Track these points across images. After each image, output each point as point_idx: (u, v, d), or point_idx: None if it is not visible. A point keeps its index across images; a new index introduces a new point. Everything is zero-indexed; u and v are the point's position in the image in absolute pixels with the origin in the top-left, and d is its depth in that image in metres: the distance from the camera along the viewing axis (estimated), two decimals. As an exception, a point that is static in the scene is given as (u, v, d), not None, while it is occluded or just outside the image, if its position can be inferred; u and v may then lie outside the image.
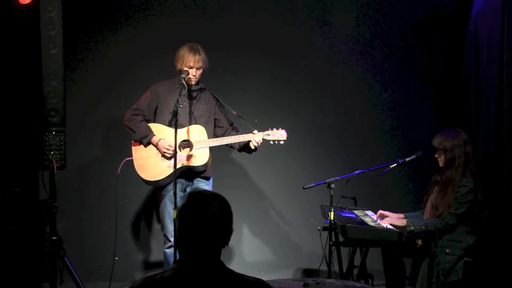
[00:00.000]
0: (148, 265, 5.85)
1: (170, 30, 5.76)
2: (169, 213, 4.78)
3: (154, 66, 5.72)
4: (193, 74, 4.79)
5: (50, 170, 4.70)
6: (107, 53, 5.79)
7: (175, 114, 4.50)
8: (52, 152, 4.67)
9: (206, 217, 2.29)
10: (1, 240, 4.90)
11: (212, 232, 2.29)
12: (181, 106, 4.64)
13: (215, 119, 4.96)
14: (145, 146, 4.83)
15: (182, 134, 4.74)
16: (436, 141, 4.67)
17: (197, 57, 4.77)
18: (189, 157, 4.76)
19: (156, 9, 5.82)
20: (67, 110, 4.74)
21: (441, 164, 4.68)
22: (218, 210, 2.30)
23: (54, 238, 4.67)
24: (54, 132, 4.68)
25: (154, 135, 4.81)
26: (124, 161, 4.95)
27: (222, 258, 2.34)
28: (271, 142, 4.82)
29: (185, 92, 4.70)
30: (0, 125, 5.33)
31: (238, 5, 5.86)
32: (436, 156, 4.70)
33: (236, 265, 5.73)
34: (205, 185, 4.92)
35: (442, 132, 4.71)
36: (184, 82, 4.71)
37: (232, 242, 2.40)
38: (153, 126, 4.86)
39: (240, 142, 4.81)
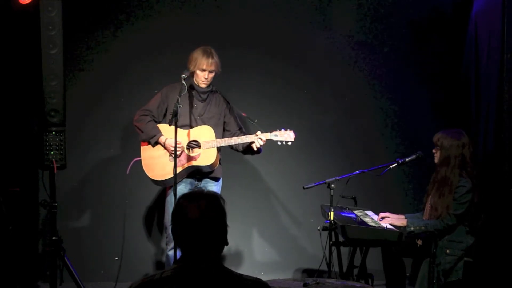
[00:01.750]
0: (149, 265, 5.85)
1: (170, 30, 5.76)
2: None
3: (154, 66, 5.72)
4: (205, 77, 4.79)
5: (50, 170, 4.70)
6: (107, 53, 5.79)
7: (175, 114, 4.51)
8: (52, 152, 4.67)
9: (190, 217, 2.29)
10: (1, 240, 4.90)
11: (199, 231, 2.29)
12: (181, 106, 4.64)
13: (224, 122, 4.96)
14: (153, 146, 4.84)
15: (190, 134, 4.76)
16: (436, 137, 4.67)
17: (210, 60, 4.78)
18: (196, 157, 4.77)
19: (156, 9, 5.81)
20: (67, 110, 4.75)
21: (435, 160, 4.69)
22: (203, 209, 2.29)
23: (54, 238, 4.68)
24: (54, 132, 4.68)
25: (162, 134, 4.81)
26: (133, 161, 4.95)
27: (222, 258, 2.34)
28: (279, 143, 4.82)
29: (185, 92, 4.69)
30: (0, 125, 5.33)
31: (238, 5, 5.86)
32: (433, 151, 4.71)
33: (236, 265, 5.74)
34: (213, 186, 4.91)
35: (444, 130, 4.71)
36: (184, 82, 4.71)
37: (232, 242, 2.40)
38: (162, 126, 4.87)
39: (245, 143, 4.81)
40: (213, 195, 2.36)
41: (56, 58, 4.62)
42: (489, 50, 5.30)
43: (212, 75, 4.83)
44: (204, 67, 4.78)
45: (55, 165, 4.67)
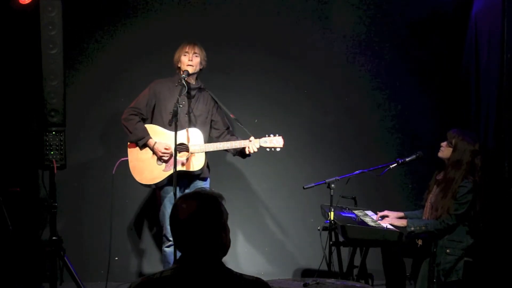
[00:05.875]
0: (147, 265, 5.85)
1: (169, 29, 5.77)
2: (169, 214, 4.76)
3: (153, 66, 5.72)
4: (190, 59, 4.79)
5: (50, 170, 4.70)
6: (107, 52, 5.80)
7: (175, 114, 4.49)
8: (52, 152, 4.67)
9: (179, 218, 2.31)
10: (1, 240, 4.90)
11: (188, 232, 2.29)
12: (181, 106, 4.64)
13: (212, 121, 4.95)
14: (141, 148, 4.82)
15: (178, 137, 4.64)
16: (451, 135, 4.63)
17: (192, 44, 4.82)
18: (185, 161, 4.75)
19: (155, 9, 5.82)
20: (67, 110, 4.75)
21: (440, 154, 4.67)
22: (192, 211, 2.29)
23: (54, 238, 4.68)
24: (54, 132, 4.68)
25: (151, 137, 4.79)
26: (119, 161, 4.95)
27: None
28: (268, 149, 4.81)
29: (185, 92, 4.70)
30: (0, 125, 5.34)
31: (238, 4, 5.86)
32: (441, 144, 4.68)
33: (236, 265, 5.73)
34: (203, 185, 4.91)
35: (461, 130, 4.68)
36: (184, 82, 4.71)
37: (232, 242, 2.39)
38: (150, 128, 4.85)
39: (236, 147, 4.80)
40: (208, 196, 2.35)
41: (56, 58, 4.62)
42: (489, 50, 5.30)
43: (197, 60, 4.81)
44: (187, 49, 4.81)
45: (55, 165, 4.67)
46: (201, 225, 2.29)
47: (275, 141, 4.78)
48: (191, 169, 4.75)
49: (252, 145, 4.73)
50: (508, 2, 4.94)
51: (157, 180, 4.78)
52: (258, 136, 4.79)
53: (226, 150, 4.88)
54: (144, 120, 4.89)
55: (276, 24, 5.89)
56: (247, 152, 4.77)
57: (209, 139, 4.90)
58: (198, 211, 2.29)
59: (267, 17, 5.89)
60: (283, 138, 4.80)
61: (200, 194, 2.36)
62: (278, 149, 4.81)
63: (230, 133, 4.95)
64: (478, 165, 4.58)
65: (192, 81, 4.87)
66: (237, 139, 4.84)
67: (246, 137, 4.78)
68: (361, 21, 5.93)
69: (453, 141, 4.62)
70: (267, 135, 4.78)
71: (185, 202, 2.32)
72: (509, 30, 4.95)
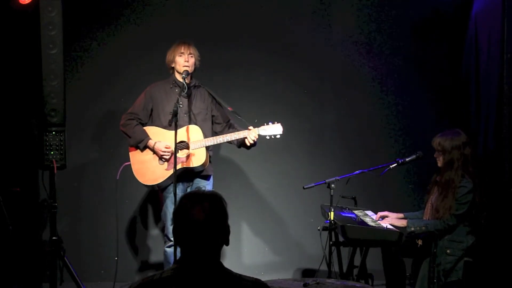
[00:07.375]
0: (148, 265, 5.85)
1: (169, 29, 5.76)
2: (170, 213, 4.78)
3: (153, 66, 5.71)
4: (186, 60, 4.79)
5: (50, 170, 4.71)
6: (107, 52, 5.80)
7: (175, 114, 4.50)
8: (52, 152, 4.68)
9: (195, 219, 2.28)
10: (1, 240, 4.90)
11: (203, 233, 2.28)
12: (181, 106, 4.64)
13: (212, 116, 4.95)
14: (142, 150, 4.82)
15: (178, 135, 4.64)
16: (435, 142, 4.66)
17: (186, 44, 4.82)
18: (186, 158, 4.75)
19: (154, 8, 5.82)
20: (67, 110, 4.75)
21: (439, 164, 4.68)
22: (207, 211, 2.28)
23: (54, 238, 4.68)
24: (54, 132, 4.68)
25: (150, 138, 4.79)
26: (123, 166, 4.95)
27: (222, 258, 2.34)
28: (267, 137, 4.78)
29: (184, 92, 4.70)
30: (0, 125, 5.34)
31: (239, 3, 5.86)
32: (435, 156, 4.70)
33: (236, 265, 5.73)
34: (206, 185, 4.91)
35: (441, 133, 4.70)
36: (184, 82, 4.71)
37: (232, 242, 2.39)
38: (149, 129, 4.85)
39: (237, 138, 4.80)
40: (216, 196, 2.35)
41: (56, 58, 4.63)
42: (489, 50, 5.30)
43: (192, 60, 4.82)
44: (182, 50, 4.81)
45: (55, 165, 4.67)
46: (215, 225, 2.30)
47: (274, 128, 4.76)
48: (193, 165, 4.75)
49: (250, 134, 4.72)
50: (508, 2, 4.94)
51: (160, 180, 4.78)
52: (257, 127, 4.78)
53: (229, 143, 4.88)
54: (143, 125, 4.89)
55: (277, 24, 5.89)
56: (247, 144, 4.76)
57: (213, 135, 4.90)
58: (212, 211, 2.29)
59: (269, 16, 5.88)
60: (282, 124, 4.77)
61: (209, 194, 2.35)
62: (278, 136, 4.78)
63: (232, 126, 4.95)
64: (468, 155, 4.59)
65: (187, 80, 4.88)
66: (237, 131, 4.84)
67: (246, 128, 4.78)
68: (362, 21, 5.93)
69: (439, 147, 4.63)
70: (265, 123, 4.77)
71: (198, 202, 2.30)
72: (509, 30, 4.95)
